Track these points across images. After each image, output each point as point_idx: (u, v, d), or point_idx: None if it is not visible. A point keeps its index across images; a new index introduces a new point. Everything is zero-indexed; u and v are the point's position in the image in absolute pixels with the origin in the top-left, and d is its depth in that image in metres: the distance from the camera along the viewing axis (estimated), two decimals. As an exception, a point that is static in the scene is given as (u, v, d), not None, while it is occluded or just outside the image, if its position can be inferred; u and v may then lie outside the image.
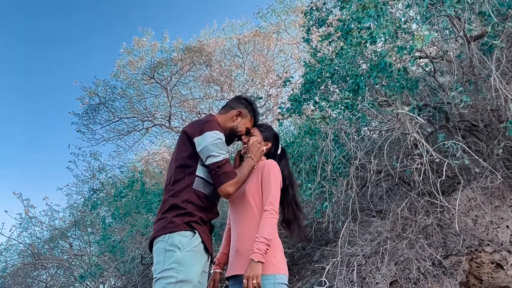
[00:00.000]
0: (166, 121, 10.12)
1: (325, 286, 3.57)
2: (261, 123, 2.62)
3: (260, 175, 2.30)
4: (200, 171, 2.18)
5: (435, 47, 4.26)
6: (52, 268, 9.40)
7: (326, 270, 3.61)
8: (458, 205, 3.17)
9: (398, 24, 3.51)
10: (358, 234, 3.81)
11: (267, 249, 2.06)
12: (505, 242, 2.99)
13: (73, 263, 9.06)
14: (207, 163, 2.12)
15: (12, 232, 10.41)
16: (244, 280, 1.98)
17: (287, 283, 2.13)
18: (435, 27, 3.67)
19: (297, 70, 10.05)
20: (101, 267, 6.97)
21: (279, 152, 2.52)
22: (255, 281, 1.97)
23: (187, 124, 3.29)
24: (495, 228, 3.09)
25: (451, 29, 3.75)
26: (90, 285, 9.29)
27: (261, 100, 9.15)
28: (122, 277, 7.52)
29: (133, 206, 6.21)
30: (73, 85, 9.25)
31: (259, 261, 2.01)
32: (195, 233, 2.07)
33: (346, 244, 3.82)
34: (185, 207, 2.10)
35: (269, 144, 2.47)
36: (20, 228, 9.16)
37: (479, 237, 3.14)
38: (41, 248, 9.69)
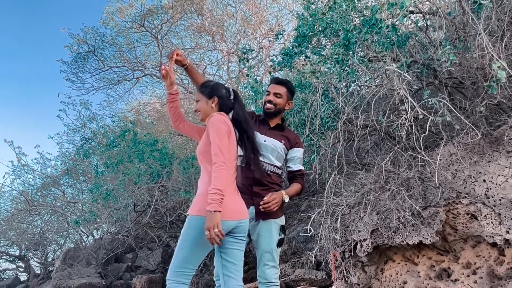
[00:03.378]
0: (156, 71, 10.00)
1: (310, 233, 3.76)
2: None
3: (206, 132, 2.40)
4: None
5: (429, 2, 4.23)
6: (46, 214, 9.63)
7: (312, 219, 3.79)
8: (440, 159, 3.32)
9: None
10: (344, 186, 3.97)
11: (222, 198, 2.15)
12: (481, 195, 3.16)
13: (66, 209, 9.26)
14: None
15: (5, 179, 10.51)
16: (206, 232, 2.10)
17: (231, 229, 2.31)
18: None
19: (290, 22, 9.88)
20: (95, 214, 7.18)
21: (232, 98, 2.57)
22: (216, 230, 2.08)
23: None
24: (473, 182, 3.25)
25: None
26: (84, 231, 9.58)
27: (253, 52, 9.08)
28: (116, 223, 7.78)
29: (125, 155, 6.33)
30: (61, 32, 8.97)
31: (215, 211, 2.11)
32: None
33: (332, 194, 3.97)
34: None
35: (215, 99, 2.51)
36: (13, 176, 9.28)
37: (457, 190, 3.30)
38: (34, 195, 9.85)
